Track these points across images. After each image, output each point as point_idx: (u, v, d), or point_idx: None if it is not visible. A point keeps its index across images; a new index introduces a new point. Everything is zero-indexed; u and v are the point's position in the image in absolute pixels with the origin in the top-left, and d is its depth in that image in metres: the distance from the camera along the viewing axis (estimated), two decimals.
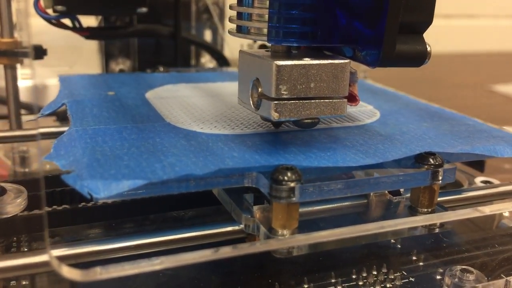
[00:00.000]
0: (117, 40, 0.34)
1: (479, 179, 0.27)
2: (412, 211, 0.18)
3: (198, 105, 0.24)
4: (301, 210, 0.18)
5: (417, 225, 0.18)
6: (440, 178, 0.18)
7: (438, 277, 0.19)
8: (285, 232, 0.16)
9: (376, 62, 0.18)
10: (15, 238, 0.19)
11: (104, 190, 0.15)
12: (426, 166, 0.18)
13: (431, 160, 0.18)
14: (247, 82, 0.19)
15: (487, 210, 0.17)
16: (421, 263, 0.19)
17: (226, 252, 0.15)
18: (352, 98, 0.20)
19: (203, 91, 0.26)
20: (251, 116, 0.22)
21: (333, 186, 0.17)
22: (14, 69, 0.29)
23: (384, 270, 0.18)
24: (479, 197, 0.21)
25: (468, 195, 0.21)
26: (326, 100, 0.19)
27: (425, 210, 0.18)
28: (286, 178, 0.16)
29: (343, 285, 0.18)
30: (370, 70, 0.35)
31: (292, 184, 0.16)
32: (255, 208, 0.17)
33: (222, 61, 0.34)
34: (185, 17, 0.35)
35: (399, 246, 0.20)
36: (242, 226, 0.17)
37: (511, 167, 0.37)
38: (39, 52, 0.29)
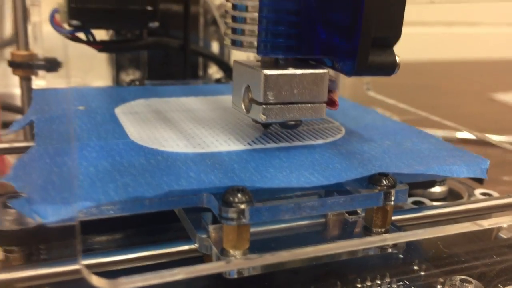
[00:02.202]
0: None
1: (478, 191, 0.27)
2: (367, 231, 0.19)
3: (165, 122, 0.24)
4: (256, 229, 0.18)
5: (370, 246, 0.18)
6: (393, 199, 0.18)
7: (439, 286, 0.19)
8: (236, 253, 0.17)
9: (351, 71, 0.20)
10: (41, 246, 0.19)
11: (52, 214, 0.15)
12: (379, 188, 0.18)
13: (384, 181, 0.18)
14: (240, 89, 0.22)
15: (436, 232, 0.18)
16: (422, 273, 0.20)
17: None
18: (332, 103, 0.22)
19: (173, 106, 0.27)
20: (216, 133, 0.23)
21: (284, 207, 0.17)
22: (29, 80, 0.30)
23: (387, 280, 0.19)
24: (454, 213, 0.22)
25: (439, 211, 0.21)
26: (307, 105, 0.22)
27: (379, 230, 0.18)
28: (236, 200, 0.16)
29: None
30: (373, 80, 0.36)
31: (242, 206, 0.16)
32: (211, 227, 0.18)
33: (229, 72, 0.35)
34: (193, 29, 0.35)
35: (401, 256, 0.20)
36: (196, 245, 0.18)
37: (510, 179, 0.37)
38: (54, 65, 0.31)
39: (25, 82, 0.30)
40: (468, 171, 0.20)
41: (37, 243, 0.19)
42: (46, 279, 0.16)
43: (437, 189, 0.26)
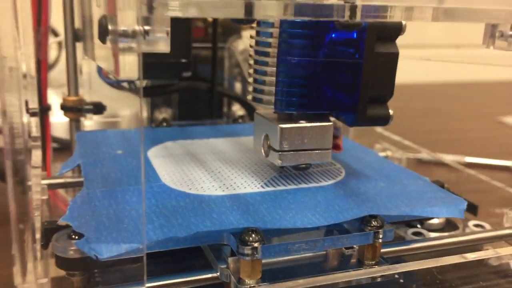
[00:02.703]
0: None
1: (472, 223, 0.30)
2: (360, 263, 0.22)
3: (192, 163, 0.28)
4: (267, 261, 0.22)
5: (362, 277, 0.21)
6: (381, 237, 0.22)
7: None
8: (250, 282, 0.21)
9: (352, 123, 0.25)
10: (96, 271, 0.23)
11: (106, 252, 0.19)
12: (369, 228, 0.22)
13: (373, 222, 0.22)
14: (260, 136, 0.27)
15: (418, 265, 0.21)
16: None
17: None
18: (337, 147, 0.27)
19: (199, 148, 0.31)
20: (238, 173, 0.26)
21: (290, 246, 0.21)
22: (78, 121, 0.35)
23: None
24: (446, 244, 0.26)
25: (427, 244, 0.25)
26: (316, 151, 0.26)
27: (370, 262, 0.22)
28: (251, 239, 0.20)
29: None
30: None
31: (256, 244, 0.20)
32: (230, 260, 0.21)
33: (250, 110, 0.39)
34: (219, 69, 0.39)
35: (402, 281, 0.24)
36: (218, 274, 0.22)
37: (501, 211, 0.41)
38: (100, 108, 0.35)
39: (75, 123, 0.34)
40: (447, 212, 0.24)
41: (93, 269, 0.23)
42: None
43: (435, 220, 0.29)
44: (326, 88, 0.25)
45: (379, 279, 0.22)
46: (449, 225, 0.31)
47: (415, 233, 0.28)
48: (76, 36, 0.33)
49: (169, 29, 0.16)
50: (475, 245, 0.27)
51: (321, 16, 0.18)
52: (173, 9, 0.16)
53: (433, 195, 0.25)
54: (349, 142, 0.34)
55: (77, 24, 0.32)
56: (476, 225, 0.30)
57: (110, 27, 0.17)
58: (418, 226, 0.28)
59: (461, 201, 0.24)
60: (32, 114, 0.24)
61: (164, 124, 0.35)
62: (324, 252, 0.23)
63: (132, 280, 0.21)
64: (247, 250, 0.20)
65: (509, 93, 1.17)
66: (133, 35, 0.16)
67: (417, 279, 0.25)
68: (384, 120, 0.25)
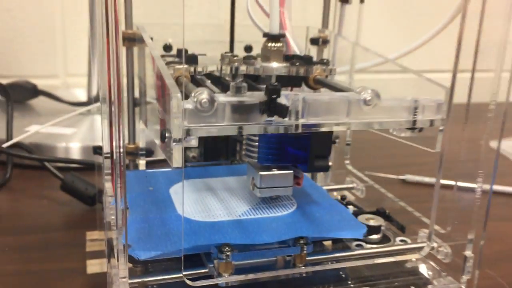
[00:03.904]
0: None
1: (399, 238, 0.43)
2: (294, 265, 0.36)
3: (197, 198, 0.42)
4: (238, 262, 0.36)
5: (294, 273, 0.35)
6: (305, 250, 0.35)
7: None
8: (225, 275, 0.35)
9: (305, 170, 0.39)
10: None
11: (140, 256, 0.33)
12: (298, 244, 0.35)
13: (301, 241, 0.35)
14: (250, 177, 0.39)
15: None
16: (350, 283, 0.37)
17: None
18: (298, 184, 0.40)
19: (207, 186, 0.45)
20: (228, 208, 0.40)
21: (249, 254, 0.34)
22: (134, 161, 0.50)
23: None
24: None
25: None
26: (281, 188, 0.38)
27: (299, 265, 0.36)
28: (225, 249, 0.34)
29: None
30: None
31: (228, 253, 0.34)
32: (215, 261, 0.35)
33: None
34: None
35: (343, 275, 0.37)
36: (207, 270, 0.36)
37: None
38: (149, 152, 0.50)
39: (132, 163, 0.50)
40: (352, 234, 0.37)
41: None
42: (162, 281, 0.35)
43: (374, 236, 0.42)
44: (290, 150, 0.39)
45: (304, 275, 0.35)
46: (384, 239, 0.43)
47: (357, 245, 0.42)
48: (134, 102, 0.48)
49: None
50: (391, 254, 0.40)
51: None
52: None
53: (343, 219, 0.38)
54: (308, 180, 0.47)
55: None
56: (401, 240, 0.43)
57: (167, 134, 0.30)
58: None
59: (363, 227, 0.37)
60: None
61: (194, 159, 0.49)
62: (275, 258, 0.37)
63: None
64: (224, 256, 0.34)
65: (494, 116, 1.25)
66: (179, 141, 0.30)
67: (353, 274, 0.38)
68: (325, 168, 0.39)
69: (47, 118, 0.82)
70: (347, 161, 0.51)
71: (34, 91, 0.90)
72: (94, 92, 0.90)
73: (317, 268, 0.35)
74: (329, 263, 0.37)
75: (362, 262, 0.37)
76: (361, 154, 0.51)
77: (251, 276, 0.34)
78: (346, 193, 0.51)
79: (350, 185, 0.51)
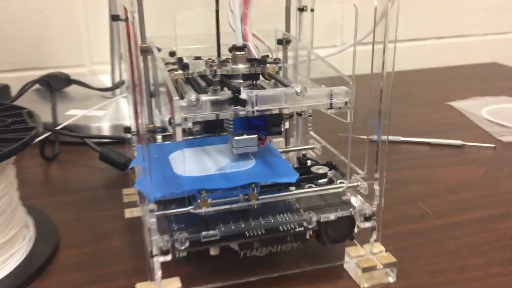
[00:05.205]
0: None
1: (339, 180, 0.61)
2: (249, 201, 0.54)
3: (190, 161, 0.60)
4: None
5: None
6: (255, 191, 0.53)
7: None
8: (204, 208, 0.53)
9: (266, 134, 0.54)
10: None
11: (157, 195, 0.51)
12: (250, 187, 0.53)
13: (253, 185, 0.53)
14: (230, 141, 0.55)
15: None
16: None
17: None
18: (262, 143, 0.55)
19: (203, 150, 0.62)
20: (215, 161, 0.59)
21: (227, 194, 0.53)
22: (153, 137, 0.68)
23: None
24: None
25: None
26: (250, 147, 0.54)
27: (253, 200, 0.54)
28: (202, 193, 0.52)
29: None
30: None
31: (204, 194, 0.52)
32: (198, 200, 0.54)
33: None
34: None
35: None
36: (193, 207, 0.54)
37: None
38: (164, 130, 0.67)
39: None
40: (288, 179, 0.53)
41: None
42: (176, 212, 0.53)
43: (322, 180, 0.60)
44: (254, 121, 0.55)
45: (256, 206, 0.53)
46: (330, 182, 0.61)
47: (309, 186, 0.59)
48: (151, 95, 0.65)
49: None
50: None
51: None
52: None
53: (285, 172, 0.55)
54: (268, 144, 0.63)
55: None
56: (340, 182, 0.60)
57: (172, 121, 0.48)
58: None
59: (295, 174, 0.54)
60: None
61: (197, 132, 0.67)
62: (237, 197, 0.53)
63: None
64: (201, 196, 0.52)
65: (458, 79, 1.44)
66: (179, 125, 0.48)
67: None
68: (279, 132, 0.53)
69: (80, 103, 1.01)
70: (310, 129, 0.69)
71: (68, 81, 1.09)
72: (117, 78, 1.08)
73: (265, 200, 0.52)
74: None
75: (305, 194, 0.54)
76: (320, 123, 0.69)
77: (220, 208, 0.51)
78: (310, 152, 0.69)
79: (311, 146, 0.69)
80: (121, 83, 1.04)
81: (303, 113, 0.68)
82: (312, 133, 0.68)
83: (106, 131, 0.93)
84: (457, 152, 0.88)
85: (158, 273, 0.47)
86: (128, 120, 0.90)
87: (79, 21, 1.20)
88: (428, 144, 0.94)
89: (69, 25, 1.19)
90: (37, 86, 1.01)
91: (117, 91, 1.05)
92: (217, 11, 0.62)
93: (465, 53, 1.54)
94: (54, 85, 1.00)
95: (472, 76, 1.40)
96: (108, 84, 1.10)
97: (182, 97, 0.47)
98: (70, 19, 1.19)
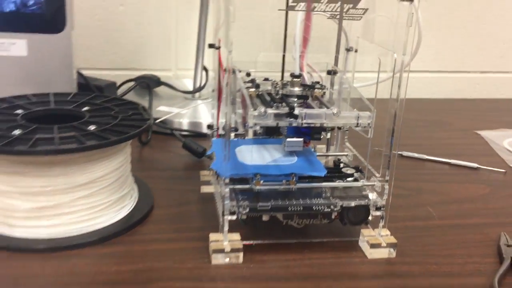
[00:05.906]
0: None
1: (362, 180, 0.81)
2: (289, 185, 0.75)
3: (254, 154, 0.82)
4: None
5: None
6: (295, 179, 0.74)
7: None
8: (258, 186, 0.75)
9: (309, 139, 0.75)
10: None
11: (226, 174, 0.73)
12: (291, 177, 0.75)
13: (292, 174, 0.75)
14: (283, 142, 0.79)
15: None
16: None
17: None
18: (307, 145, 0.76)
19: (262, 147, 0.84)
20: (271, 155, 0.80)
21: (268, 179, 0.74)
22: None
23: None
24: None
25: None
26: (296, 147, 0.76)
27: (292, 185, 0.75)
28: (257, 176, 0.74)
29: None
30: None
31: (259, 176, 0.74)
32: (254, 181, 0.75)
33: None
34: None
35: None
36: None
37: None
38: (236, 129, 0.90)
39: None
40: (318, 173, 0.74)
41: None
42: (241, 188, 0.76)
43: (349, 178, 0.80)
44: (302, 129, 0.76)
45: (293, 189, 0.74)
46: (355, 181, 0.81)
47: (339, 181, 0.80)
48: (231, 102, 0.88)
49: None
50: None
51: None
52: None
53: (316, 167, 0.76)
54: (309, 148, 0.83)
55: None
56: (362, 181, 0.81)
57: (246, 124, 0.70)
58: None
59: (324, 169, 0.74)
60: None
61: (260, 134, 0.89)
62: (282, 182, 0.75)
63: None
64: (256, 178, 0.73)
65: (484, 110, 1.61)
66: (251, 127, 0.70)
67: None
68: (319, 139, 0.75)
69: (167, 101, 1.26)
70: (346, 140, 0.90)
71: (158, 82, 1.33)
72: (197, 83, 1.31)
73: (301, 186, 0.73)
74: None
75: (331, 185, 0.75)
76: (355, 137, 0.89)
77: (268, 186, 0.72)
78: (344, 157, 0.89)
79: (345, 153, 0.89)
80: (201, 88, 1.28)
81: (341, 128, 0.88)
82: (347, 143, 0.89)
83: (185, 126, 1.17)
84: (472, 173, 0.99)
85: (226, 227, 0.70)
86: (203, 119, 1.14)
87: (170, 34, 1.44)
88: (448, 164, 1.08)
89: (163, 37, 1.43)
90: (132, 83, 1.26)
91: (197, 94, 1.29)
92: (284, 50, 0.84)
93: (504, 88, 1.70)
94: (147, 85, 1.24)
95: (505, 109, 1.55)
96: (190, 87, 1.34)
97: (254, 109, 0.69)
98: (163, 31, 1.43)
